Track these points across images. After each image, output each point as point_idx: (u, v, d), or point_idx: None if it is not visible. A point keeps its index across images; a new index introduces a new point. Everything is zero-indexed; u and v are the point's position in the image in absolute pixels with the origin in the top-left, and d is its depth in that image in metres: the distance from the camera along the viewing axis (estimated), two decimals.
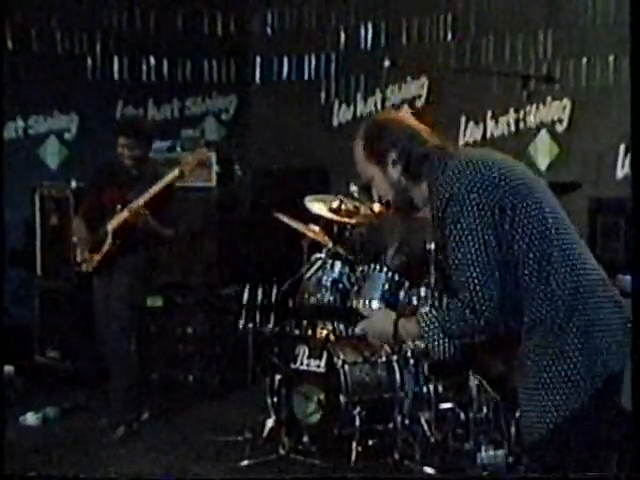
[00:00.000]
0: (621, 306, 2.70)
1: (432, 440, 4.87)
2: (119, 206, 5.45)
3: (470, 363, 2.94)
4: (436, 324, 2.63)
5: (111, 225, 5.46)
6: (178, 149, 6.95)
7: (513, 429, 4.45)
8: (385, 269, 5.16)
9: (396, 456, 4.85)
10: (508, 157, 2.86)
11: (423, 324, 2.67)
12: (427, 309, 2.75)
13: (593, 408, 2.62)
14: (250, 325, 5.45)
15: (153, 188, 5.37)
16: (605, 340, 2.62)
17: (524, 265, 2.60)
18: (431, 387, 4.97)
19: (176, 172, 5.39)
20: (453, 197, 2.62)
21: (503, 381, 2.83)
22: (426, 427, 4.92)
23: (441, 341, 2.63)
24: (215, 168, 6.66)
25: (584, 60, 6.31)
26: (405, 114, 2.96)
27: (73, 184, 6.70)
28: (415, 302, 4.94)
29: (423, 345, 2.70)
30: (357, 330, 3.00)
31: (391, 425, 4.97)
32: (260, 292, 6.05)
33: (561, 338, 2.60)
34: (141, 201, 5.36)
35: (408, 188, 2.84)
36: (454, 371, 3.16)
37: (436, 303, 3.51)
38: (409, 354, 5.08)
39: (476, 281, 2.56)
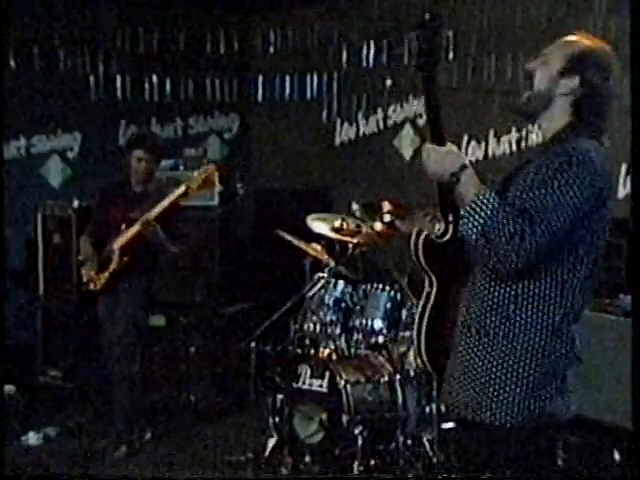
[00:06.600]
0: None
1: (434, 460, 4.86)
2: (124, 224, 5.45)
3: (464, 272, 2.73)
4: (485, 211, 2.46)
5: (118, 243, 5.46)
6: (181, 168, 6.97)
7: None
8: (388, 287, 5.17)
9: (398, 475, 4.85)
10: None
11: (477, 199, 2.48)
12: (494, 194, 2.52)
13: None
14: (252, 344, 5.43)
15: (162, 203, 5.36)
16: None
17: (576, 257, 2.54)
18: (433, 407, 4.96)
19: (183, 188, 5.38)
20: (586, 163, 2.51)
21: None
22: (428, 447, 4.91)
23: (473, 223, 2.47)
24: (217, 187, 6.66)
25: None
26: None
27: (75, 203, 6.71)
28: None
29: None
30: (423, 152, 2.63)
31: (393, 445, 4.96)
32: (262, 311, 6.04)
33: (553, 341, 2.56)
34: (152, 215, 5.36)
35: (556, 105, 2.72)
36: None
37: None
38: (411, 374, 5.08)
39: (538, 229, 2.43)
